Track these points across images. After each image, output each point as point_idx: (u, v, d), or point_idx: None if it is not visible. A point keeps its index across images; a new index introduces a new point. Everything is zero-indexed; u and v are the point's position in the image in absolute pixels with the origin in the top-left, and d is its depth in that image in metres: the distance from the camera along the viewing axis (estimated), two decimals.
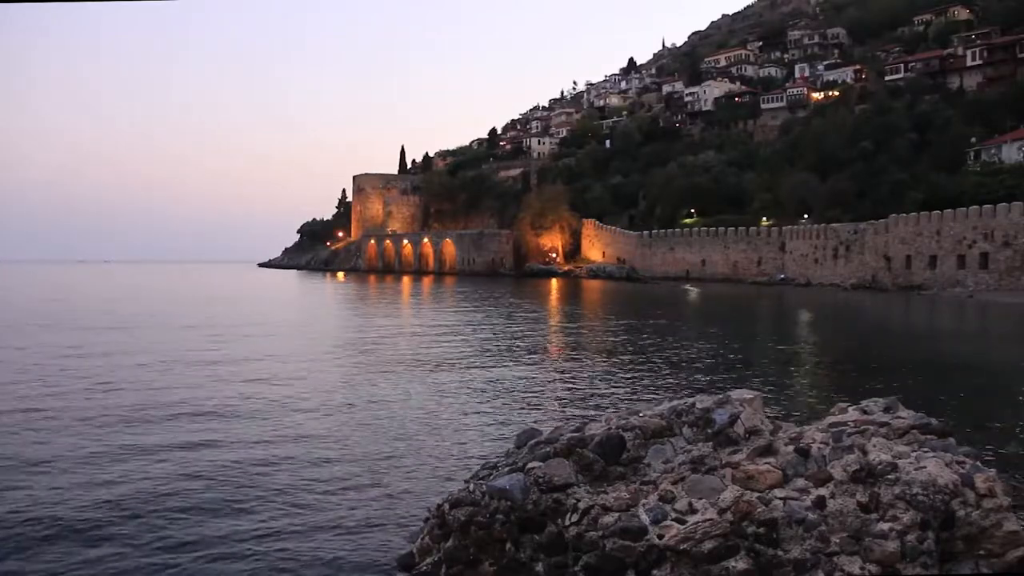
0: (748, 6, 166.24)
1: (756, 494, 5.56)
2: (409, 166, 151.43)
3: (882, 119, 77.77)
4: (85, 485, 9.48)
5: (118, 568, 7.10)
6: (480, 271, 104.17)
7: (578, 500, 5.85)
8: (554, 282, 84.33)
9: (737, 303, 50.85)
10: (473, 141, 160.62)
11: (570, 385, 17.43)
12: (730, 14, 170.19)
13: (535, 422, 12.36)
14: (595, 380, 17.95)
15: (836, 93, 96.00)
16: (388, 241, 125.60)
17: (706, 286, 71.30)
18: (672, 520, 5.54)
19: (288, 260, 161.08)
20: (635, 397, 15.44)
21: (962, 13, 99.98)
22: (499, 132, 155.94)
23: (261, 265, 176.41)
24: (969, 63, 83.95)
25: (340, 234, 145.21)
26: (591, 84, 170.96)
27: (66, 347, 23.79)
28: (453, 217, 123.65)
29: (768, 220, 79.98)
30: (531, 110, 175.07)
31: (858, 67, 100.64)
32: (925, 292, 55.74)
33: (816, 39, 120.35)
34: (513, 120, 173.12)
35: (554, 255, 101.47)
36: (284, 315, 40.46)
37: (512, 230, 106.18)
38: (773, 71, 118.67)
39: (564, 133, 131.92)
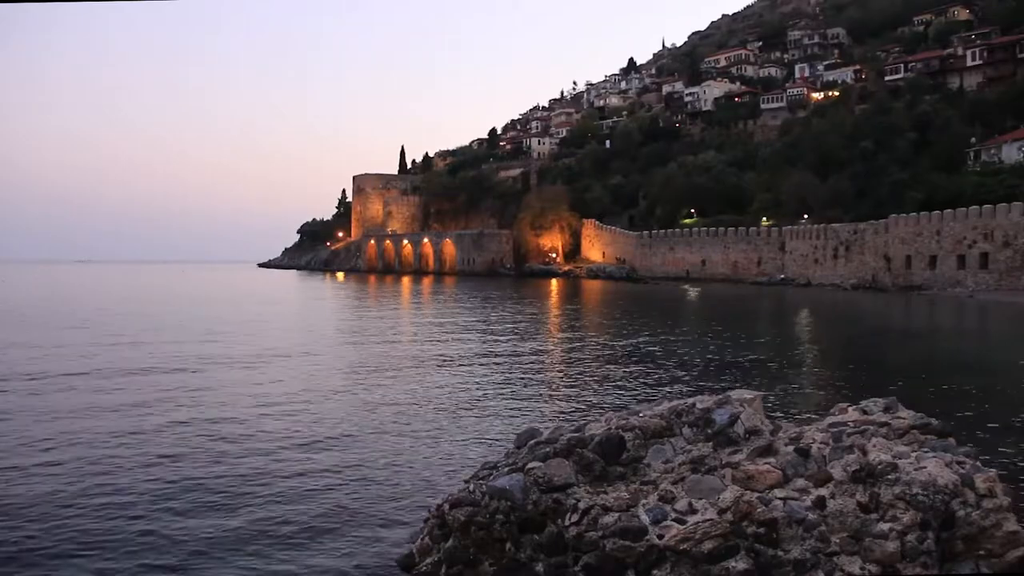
0: (748, 6, 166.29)
1: (756, 494, 5.55)
2: (409, 166, 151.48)
3: (882, 119, 77.78)
4: (78, 484, 9.48)
5: (114, 569, 7.09)
6: (480, 271, 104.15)
7: (578, 500, 5.85)
8: (554, 282, 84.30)
9: (737, 303, 50.83)
10: (473, 141, 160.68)
11: (570, 385, 17.42)
12: (730, 14, 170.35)
13: (535, 422, 12.36)
14: (595, 380, 17.94)
15: (836, 93, 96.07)
16: (388, 241, 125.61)
17: (706, 286, 71.27)
18: (672, 520, 5.54)
19: (288, 260, 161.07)
20: (635, 397, 15.44)
21: (962, 13, 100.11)
22: (499, 132, 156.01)
23: (261, 265, 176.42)
24: (969, 63, 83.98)
25: (340, 234, 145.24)
26: (591, 84, 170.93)
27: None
28: (453, 217, 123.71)
29: (768, 220, 79.99)
30: (531, 110, 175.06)
31: (858, 67, 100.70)
32: (925, 292, 55.71)
33: (816, 39, 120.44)
34: (513, 120, 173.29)
35: (554, 255, 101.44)
36: (283, 315, 40.43)
37: (512, 230, 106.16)
38: (773, 71, 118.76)
39: (564, 133, 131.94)
